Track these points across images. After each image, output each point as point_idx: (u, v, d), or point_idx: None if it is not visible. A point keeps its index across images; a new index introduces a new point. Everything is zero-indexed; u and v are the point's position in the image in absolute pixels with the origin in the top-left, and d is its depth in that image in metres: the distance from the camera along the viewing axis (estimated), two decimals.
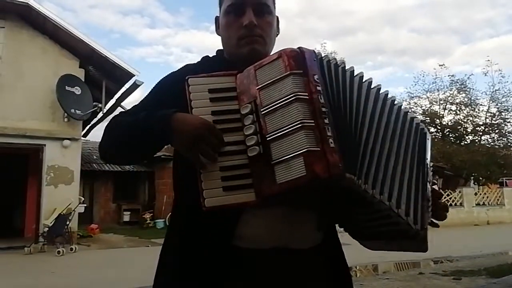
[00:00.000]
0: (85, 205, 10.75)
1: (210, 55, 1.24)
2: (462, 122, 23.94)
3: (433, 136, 24.39)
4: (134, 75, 10.50)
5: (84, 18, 52.11)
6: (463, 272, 6.68)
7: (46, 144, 9.91)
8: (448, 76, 24.54)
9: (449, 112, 24.50)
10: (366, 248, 1.21)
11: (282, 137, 0.89)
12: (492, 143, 23.50)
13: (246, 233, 1.01)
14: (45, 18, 9.65)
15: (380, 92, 1.07)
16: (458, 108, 24.08)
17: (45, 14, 9.61)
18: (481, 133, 23.81)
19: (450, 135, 24.36)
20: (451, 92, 24.21)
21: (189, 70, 1.13)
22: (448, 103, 24.32)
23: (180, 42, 51.93)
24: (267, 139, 0.91)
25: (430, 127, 25.02)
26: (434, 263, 7.96)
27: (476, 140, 23.74)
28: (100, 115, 11.27)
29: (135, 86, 10.39)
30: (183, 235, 1.07)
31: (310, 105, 0.89)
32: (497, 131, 23.52)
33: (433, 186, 1.13)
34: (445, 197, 15.63)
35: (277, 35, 1.23)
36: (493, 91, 23.56)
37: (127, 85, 10.64)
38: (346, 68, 1.03)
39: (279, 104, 0.91)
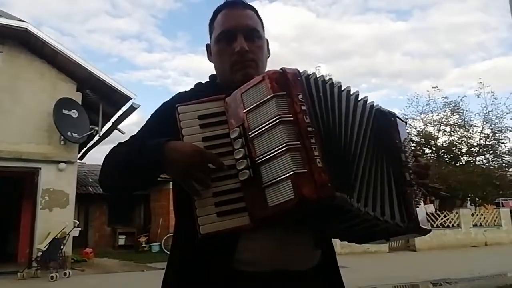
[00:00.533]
0: (80, 228, 10.61)
1: (203, 81, 1.27)
2: (457, 143, 24.10)
3: (428, 157, 24.47)
4: (131, 98, 10.55)
5: (83, 43, 52.67)
6: None
7: (42, 167, 9.84)
8: (442, 98, 24.86)
9: (443, 134, 24.70)
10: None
11: (270, 160, 0.90)
12: (487, 164, 23.61)
13: (245, 257, 1.01)
14: (43, 42, 9.74)
15: (367, 104, 1.10)
16: (452, 129, 24.29)
17: (43, 39, 9.70)
18: (476, 154, 23.94)
19: (445, 156, 24.47)
20: (445, 113, 24.47)
21: (181, 97, 1.15)
22: (442, 124, 24.54)
23: (177, 65, 52.43)
24: (257, 162, 0.91)
25: (425, 148, 25.16)
26: (433, 286, 7.91)
27: (471, 161, 23.85)
28: (96, 138, 11.27)
29: (132, 109, 10.43)
30: (184, 260, 1.09)
31: (295, 126, 0.89)
32: (491, 152, 23.67)
33: (417, 160, 1.15)
34: (442, 218, 15.59)
35: (268, 57, 1.27)
36: (486, 113, 23.83)
37: (124, 108, 10.69)
38: (334, 83, 1.04)
39: (265, 128, 0.91)
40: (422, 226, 1.08)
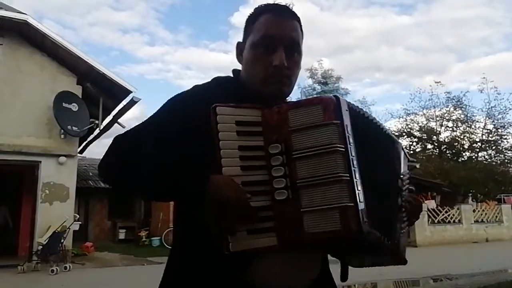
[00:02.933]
0: (80, 222, 10.61)
1: (222, 75, 1.19)
2: (459, 139, 24.05)
3: (430, 153, 24.45)
4: (131, 92, 10.52)
5: (84, 36, 52.53)
6: None
7: (42, 160, 9.84)
8: (444, 93, 24.78)
9: (445, 129, 24.65)
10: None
11: (317, 186, 0.87)
12: (489, 160, 23.55)
13: (253, 275, 0.96)
14: (43, 35, 9.70)
15: (394, 144, 1.16)
16: (455, 125, 24.24)
17: (44, 31, 9.66)
18: (478, 150, 23.89)
19: (447, 152, 24.42)
20: (448, 109, 24.39)
21: (201, 91, 1.10)
22: (444, 119, 24.47)
23: (179, 59, 52.25)
24: (297, 184, 0.88)
25: (427, 144, 25.10)
26: (433, 281, 7.88)
27: (473, 157, 23.80)
28: (96, 131, 11.25)
29: (132, 102, 10.40)
30: (190, 273, 1.03)
31: (345, 158, 0.89)
32: (493, 147, 23.61)
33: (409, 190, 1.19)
34: (443, 214, 15.56)
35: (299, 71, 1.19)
36: (489, 108, 23.75)
37: (124, 102, 10.68)
38: (370, 117, 1.06)
39: (315, 152, 0.89)
40: (401, 252, 1.12)
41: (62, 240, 9.15)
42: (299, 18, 1.15)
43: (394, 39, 43.78)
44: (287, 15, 1.12)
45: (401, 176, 1.14)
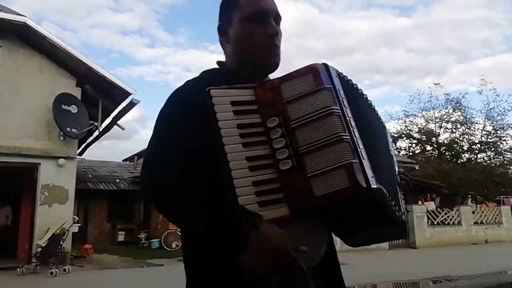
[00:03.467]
0: (79, 224, 10.59)
1: (209, 69, 1.20)
2: (458, 140, 24.05)
3: (430, 154, 24.43)
4: (130, 94, 10.51)
5: (84, 38, 52.61)
6: None
7: (41, 163, 9.82)
8: (444, 94, 24.79)
9: (445, 131, 24.65)
10: (349, 245, 1.22)
11: (318, 149, 0.88)
12: (488, 161, 23.55)
13: None
14: (42, 37, 9.69)
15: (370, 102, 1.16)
16: (454, 126, 24.24)
17: (43, 33, 9.65)
18: (477, 151, 23.90)
19: (447, 153, 24.42)
20: (447, 110, 24.40)
21: (189, 86, 1.11)
22: (443, 121, 24.47)
23: (179, 61, 52.33)
24: (300, 152, 0.90)
25: (426, 145, 25.10)
26: (433, 283, 7.87)
27: (473, 159, 23.81)
28: (96, 133, 11.24)
29: (131, 104, 10.39)
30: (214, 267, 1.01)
31: (343, 119, 0.90)
32: (493, 149, 23.62)
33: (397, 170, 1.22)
34: (442, 216, 15.55)
35: None
36: (488, 110, 23.76)
37: (123, 104, 10.66)
38: (358, 87, 1.09)
39: (312, 118, 0.90)
40: (404, 222, 1.14)
41: (61, 242, 9.11)
42: None
43: (394, 41, 43.91)
44: None
45: (392, 153, 1.23)
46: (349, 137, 0.89)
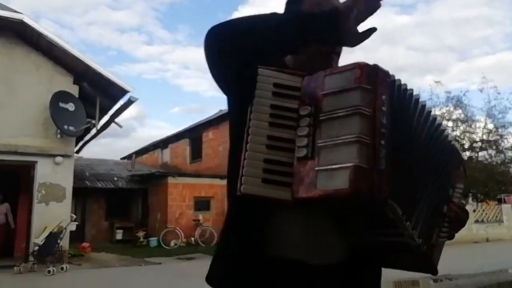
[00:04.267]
0: (77, 223, 10.54)
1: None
2: (459, 139, 23.97)
3: None
4: (128, 91, 10.47)
5: (82, 35, 52.70)
6: None
7: (38, 161, 9.78)
8: (444, 92, 24.73)
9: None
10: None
11: (335, 145, 0.88)
12: (489, 160, 23.47)
13: (272, 237, 1.03)
14: (39, 34, 9.64)
15: (443, 130, 1.12)
16: (455, 125, 24.14)
17: (40, 30, 9.60)
18: (478, 150, 23.81)
19: None
20: (447, 108, 24.31)
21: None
22: (444, 119, 24.39)
23: (177, 58, 52.35)
24: (318, 144, 0.91)
25: None
26: (433, 282, 7.83)
27: (473, 157, 23.72)
28: (93, 131, 11.19)
29: (129, 102, 10.35)
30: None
31: (371, 123, 0.88)
32: (494, 147, 23.53)
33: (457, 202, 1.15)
34: None
35: None
36: (489, 108, 23.67)
37: (121, 102, 10.62)
38: (414, 95, 1.04)
39: (340, 114, 0.90)
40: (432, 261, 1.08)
41: (59, 241, 9.08)
42: None
43: (394, 39, 43.82)
44: None
45: (453, 185, 1.15)
46: (368, 140, 0.86)
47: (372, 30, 1.05)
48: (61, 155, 9.96)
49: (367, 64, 0.94)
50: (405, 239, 0.97)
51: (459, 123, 23.99)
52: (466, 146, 24.10)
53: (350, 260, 1.06)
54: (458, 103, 23.96)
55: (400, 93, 0.99)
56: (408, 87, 1.03)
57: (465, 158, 23.81)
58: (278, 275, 1.01)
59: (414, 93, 1.04)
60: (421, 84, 52.87)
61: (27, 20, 9.41)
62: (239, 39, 1.00)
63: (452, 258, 10.80)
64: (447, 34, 43.79)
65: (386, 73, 0.96)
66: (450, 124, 24.35)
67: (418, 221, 0.98)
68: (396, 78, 1.00)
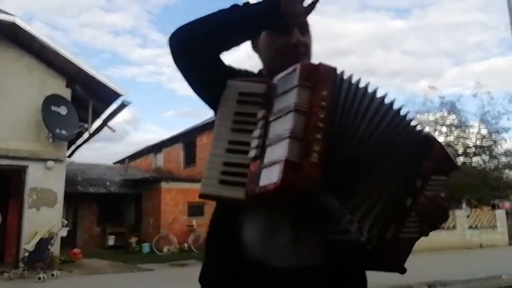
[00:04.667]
0: (68, 228, 10.40)
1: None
2: (453, 144, 24.07)
3: None
4: (121, 95, 10.39)
5: (75, 38, 52.57)
6: None
7: (29, 165, 9.68)
8: (438, 97, 24.85)
9: (439, 134, 24.66)
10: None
11: (275, 143, 0.94)
12: (483, 165, 23.57)
13: (240, 239, 1.08)
14: (31, 37, 9.57)
15: (403, 119, 1.07)
16: (449, 130, 24.26)
17: (32, 33, 9.53)
18: (472, 155, 23.91)
19: None
20: (442, 113, 24.42)
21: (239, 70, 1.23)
22: (438, 124, 24.50)
23: (172, 62, 52.29)
24: (266, 144, 0.97)
25: None
26: None
27: (467, 162, 23.81)
28: (86, 135, 11.10)
29: (122, 106, 10.29)
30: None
31: (307, 118, 0.92)
32: (487, 153, 23.64)
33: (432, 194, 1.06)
34: None
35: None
36: (482, 113, 23.80)
37: (114, 105, 10.55)
38: (367, 88, 1.04)
39: (282, 113, 0.96)
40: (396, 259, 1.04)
41: (50, 247, 8.97)
42: None
43: (389, 44, 44.17)
44: None
45: (425, 176, 1.06)
46: (302, 136, 0.90)
47: (315, 1, 1.13)
48: (53, 160, 9.87)
49: (308, 64, 1.00)
50: (352, 235, 0.96)
51: (453, 129, 24.10)
52: (460, 152, 24.20)
53: (325, 263, 1.04)
54: (452, 108, 24.09)
55: (351, 89, 1.00)
56: (360, 82, 1.02)
57: (459, 163, 23.91)
58: (247, 277, 1.05)
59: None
60: (415, 89, 53.10)
61: (19, 22, 9.33)
62: (201, 37, 1.07)
63: (446, 264, 10.81)
64: (441, 39, 44.22)
65: (330, 70, 0.98)
66: (444, 129, 24.46)
67: (367, 215, 0.96)
68: (351, 75, 1.01)
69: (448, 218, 1.09)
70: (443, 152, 1.10)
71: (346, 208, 0.95)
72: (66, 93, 10.26)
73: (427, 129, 24.27)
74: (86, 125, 10.42)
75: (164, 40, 1.14)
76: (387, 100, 1.04)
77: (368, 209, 0.97)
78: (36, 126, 9.78)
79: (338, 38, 44.72)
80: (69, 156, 12.45)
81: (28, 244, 8.83)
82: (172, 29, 1.09)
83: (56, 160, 9.93)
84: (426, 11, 45.34)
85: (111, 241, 15.39)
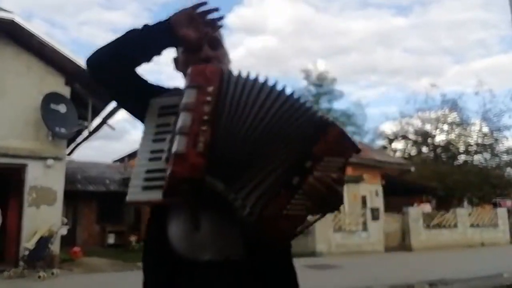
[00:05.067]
0: (68, 227, 10.37)
1: None
2: (454, 142, 24.02)
3: (426, 156, 24.39)
4: None
5: (74, 35, 52.44)
6: None
7: (29, 163, 9.62)
8: (440, 95, 24.78)
9: (441, 132, 24.61)
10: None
11: (172, 143, 1.05)
12: (484, 163, 23.51)
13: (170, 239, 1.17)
14: (30, 34, 9.50)
15: (285, 95, 1.10)
16: (450, 128, 24.20)
17: (31, 30, 9.47)
18: (473, 153, 23.86)
19: (443, 155, 24.38)
20: (443, 111, 24.36)
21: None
22: (440, 122, 24.44)
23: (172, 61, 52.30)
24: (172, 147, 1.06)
25: (422, 147, 25.06)
26: (429, 286, 7.80)
27: (469, 160, 23.76)
28: (85, 133, 11.07)
29: None
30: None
31: (193, 114, 1.03)
32: (489, 150, 23.59)
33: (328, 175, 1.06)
34: (438, 218, 15.43)
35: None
36: (484, 111, 23.74)
37: (114, 103, 10.46)
38: (258, 81, 1.10)
39: (178, 115, 1.07)
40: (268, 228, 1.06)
41: (50, 245, 8.95)
42: None
43: (390, 41, 44.02)
44: None
45: (317, 157, 1.07)
46: (188, 130, 1.01)
47: (216, 20, 1.22)
48: (53, 158, 9.81)
49: (195, 67, 1.11)
50: (238, 212, 1.03)
51: (454, 126, 24.07)
52: (461, 150, 24.16)
53: (247, 254, 1.11)
54: (453, 106, 24.04)
55: (239, 83, 1.09)
56: (249, 75, 1.11)
57: (460, 162, 23.86)
58: (176, 271, 1.14)
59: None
60: (417, 86, 52.93)
61: (18, 19, 9.26)
62: (112, 59, 1.18)
63: (448, 262, 10.77)
64: (443, 36, 44.04)
65: (216, 69, 1.10)
66: (445, 127, 24.43)
67: (251, 193, 1.03)
68: (240, 71, 1.11)
69: (341, 198, 1.10)
70: (337, 134, 1.10)
71: (232, 188, 1.03)
72: (66, 91, 10.20)
73: (428, 126, 24.10)
74: (85, 123, 10.41)
75: None
76: (278, 88, 1.10)
77: (252, 188, 1.04)
78: (36, 124, 9.73)
79: (339, 35, 44.57)
80: (69, 154, 12.44)
81: (28, 243, 8.82)
82: None
83: (56, 158, 9.88)
84: (427, 8, 45.22)
85: (111, 239, 15.36)
